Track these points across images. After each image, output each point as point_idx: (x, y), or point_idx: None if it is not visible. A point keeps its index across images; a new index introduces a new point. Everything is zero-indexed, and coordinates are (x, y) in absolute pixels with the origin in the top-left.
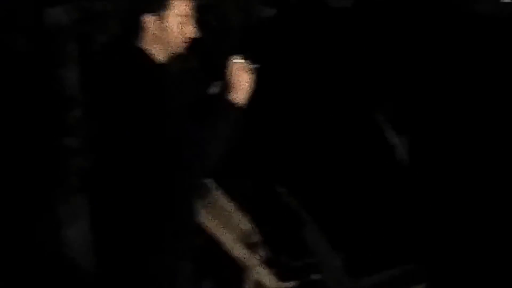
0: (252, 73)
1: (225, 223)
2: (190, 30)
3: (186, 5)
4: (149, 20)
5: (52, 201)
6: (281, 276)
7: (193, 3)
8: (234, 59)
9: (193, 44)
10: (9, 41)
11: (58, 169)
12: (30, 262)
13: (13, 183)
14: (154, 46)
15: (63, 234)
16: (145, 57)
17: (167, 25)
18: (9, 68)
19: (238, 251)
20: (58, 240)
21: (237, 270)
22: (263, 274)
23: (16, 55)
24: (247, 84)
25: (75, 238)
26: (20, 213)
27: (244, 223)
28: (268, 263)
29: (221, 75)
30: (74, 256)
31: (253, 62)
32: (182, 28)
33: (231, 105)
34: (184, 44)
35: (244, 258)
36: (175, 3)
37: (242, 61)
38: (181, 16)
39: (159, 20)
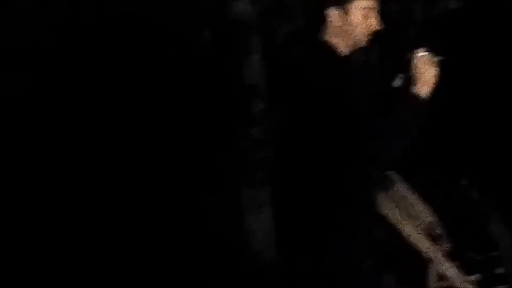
0: (437, 66)
1: (408, 216)
2: (374, 23)
3: None
4: (333, 13)
5: (236, 191)
6: (465, 269)
7: None
8: (418, 51)
9: (376, 37)
10: (195, 33)
11: (242, 160)
12: (213, 251)
13: (198, 174)
14: (338, 38)
15: (246, 225)
16: (328, 50)
17: (350, 17)
18: (195, 59)
19: (421, 243)
20: (241, 230)
21: (420, 263)
22: (446, 267)
23: (201, 47)
24: (431, 77)
25: (258, 229)
26: (205, 203)
27: (427, 216)
28: (452, 256)
29: (404, 68)
30: (257, 246)
31: (438, 54)
32: (365, 21)
33: (415, 98)
34: (367, 37)
35: (427, 250)
36: None
37: (427, 53)
38: (364, 8)
39: (343, 13)
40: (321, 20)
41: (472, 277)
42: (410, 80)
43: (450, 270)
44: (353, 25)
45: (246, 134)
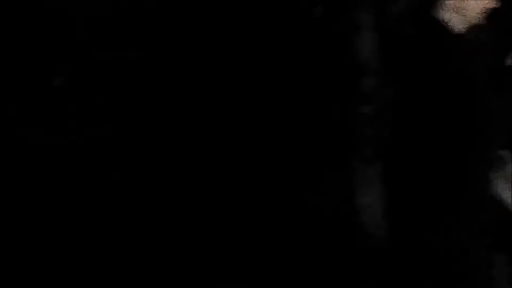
0: None
1: None
2: (489, 0)
3: None
4: None
5: (347, 169)
6: None
7: None
8: None
9: (491, 14)
10: (305, 8)
11: (353, 137)
12: (322, 229)
13: (306, 149)
14: (451, 16)
15: (356, 203)
16: (441, 27)
17: None
18: (305, 35)
19: None
20: (351, 208)
21: None
22: None
23: (312, 22)
24: None
25: (368, 207)
26: (313, 181)
27: None
28: None
29: None
30: (367, 225)
31: None
32: None
33: None
34: (482, 14)
35: None
36: None
37: None
38: None
39: None
40: None
41: None
42: None
43: None
44: (468, 2)
45: (358, 110)
